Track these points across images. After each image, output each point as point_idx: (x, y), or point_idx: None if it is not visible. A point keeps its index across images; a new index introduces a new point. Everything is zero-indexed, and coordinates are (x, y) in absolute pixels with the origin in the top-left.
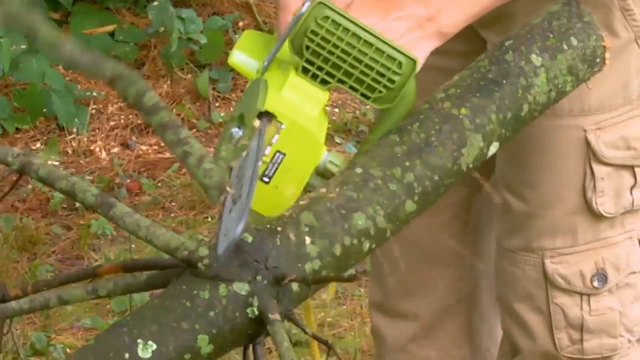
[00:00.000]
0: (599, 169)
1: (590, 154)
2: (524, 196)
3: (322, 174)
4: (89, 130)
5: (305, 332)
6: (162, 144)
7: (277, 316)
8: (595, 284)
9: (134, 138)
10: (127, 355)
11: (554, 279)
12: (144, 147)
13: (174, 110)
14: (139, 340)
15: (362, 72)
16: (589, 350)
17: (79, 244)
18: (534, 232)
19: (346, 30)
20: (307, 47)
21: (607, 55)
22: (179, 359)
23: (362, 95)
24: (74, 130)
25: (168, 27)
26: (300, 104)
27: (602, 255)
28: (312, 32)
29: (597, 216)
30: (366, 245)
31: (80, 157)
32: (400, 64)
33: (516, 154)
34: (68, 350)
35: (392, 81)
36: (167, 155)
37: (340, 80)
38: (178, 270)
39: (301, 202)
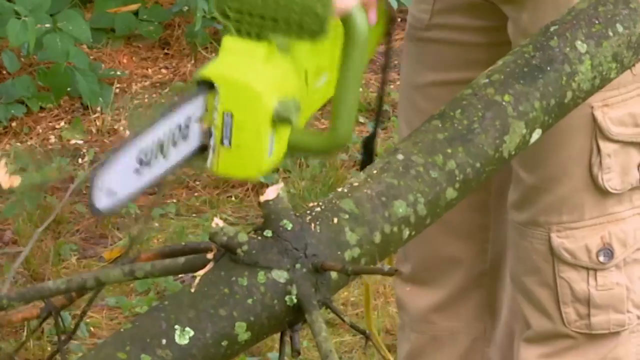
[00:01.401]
0: (605, 146)
1: (597, 130)
2: (533, 170)
3: (282, 121)
4: (113, 109)
5: (343, 321)
6: None
7: (315, 305)
8: (601, 258)
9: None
10: (164, 341)
11: (560, 253)
12: None
13: None
14: (176, 326)
15: (286, 12)
16: (596, 325)
17: (102, 222)
18: (542, 206)
19: None
20: (229, 7)
21: None
22: (216, 346)
23: (297, 36)
24: (98, 109)
25: (192, 6)
26: (233, 62)
27: (609, 230)
28: None
29: (603, 192)
30: (406, 232)
31: (104, 136)
32: None
33: None
34: (92, 328)
35: (311, 10)
36: None
37: (272, 29)
38: (217, 255)
39: (340, 190)
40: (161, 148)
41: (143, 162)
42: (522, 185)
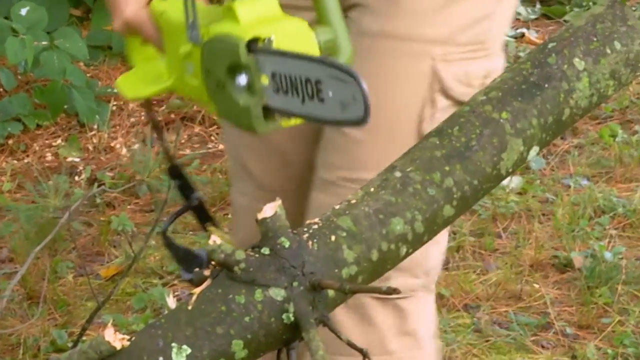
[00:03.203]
0: (441, 101)
1: (436, 83)
2: None
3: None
4: (110, 126)
5: (340, 339)
6: (183, 141)
7: (313, 323)
8: None
9: (154, 135)
10: (161, 359)
11: None
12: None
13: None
14: (173, 344)
15: None
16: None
17: (99, 240)
18: (361, 161)
19: None
20: None
21: None
22: None
23: None
24: (95, 126)
25: None
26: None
27: None
28: None
29: None
30: (403, 250)
31: (100, 154)
32: None
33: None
34: None
35: None
36: (188, 152)
37: None
38: (214, 272)
39: (337, 207)
40: None
41: None
42: (339, 141)
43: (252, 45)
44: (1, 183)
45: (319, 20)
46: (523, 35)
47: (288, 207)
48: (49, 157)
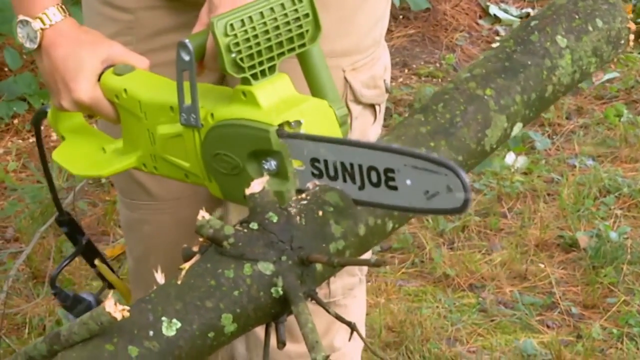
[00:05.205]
0: (355, 108)
1: (349, 93)
2: None
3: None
4: None
5: (328, 312)
6: None
7: (301, 297)
8: None
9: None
10: (151, 333)
11: None
12: None
13: None
14: (164, 318)
15: (287, 31)
16: (335, 292)
17: (104, 220)
18: None
19: (249, 18)
20: (241, 59)
21: (632, 37)
22: (202, 338)
23: (300, 46)
24: None
25: None
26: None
27: None
28: (235, 44)
29: None
30: (389, 225)
31: None
32: None
33: None
34: None
35: (307, 15)
36: None
37: (280, 54)
38: (203, 247)
39: None
40: None
41: None
42: None
43: (281, 130)
44: (6, 163)
45: (320, 95)
46: (528, 14)
47: (189, 215)
48: (54, 136)
